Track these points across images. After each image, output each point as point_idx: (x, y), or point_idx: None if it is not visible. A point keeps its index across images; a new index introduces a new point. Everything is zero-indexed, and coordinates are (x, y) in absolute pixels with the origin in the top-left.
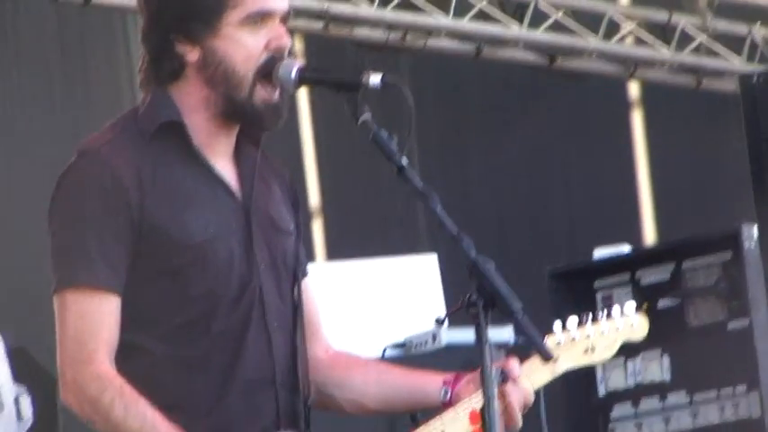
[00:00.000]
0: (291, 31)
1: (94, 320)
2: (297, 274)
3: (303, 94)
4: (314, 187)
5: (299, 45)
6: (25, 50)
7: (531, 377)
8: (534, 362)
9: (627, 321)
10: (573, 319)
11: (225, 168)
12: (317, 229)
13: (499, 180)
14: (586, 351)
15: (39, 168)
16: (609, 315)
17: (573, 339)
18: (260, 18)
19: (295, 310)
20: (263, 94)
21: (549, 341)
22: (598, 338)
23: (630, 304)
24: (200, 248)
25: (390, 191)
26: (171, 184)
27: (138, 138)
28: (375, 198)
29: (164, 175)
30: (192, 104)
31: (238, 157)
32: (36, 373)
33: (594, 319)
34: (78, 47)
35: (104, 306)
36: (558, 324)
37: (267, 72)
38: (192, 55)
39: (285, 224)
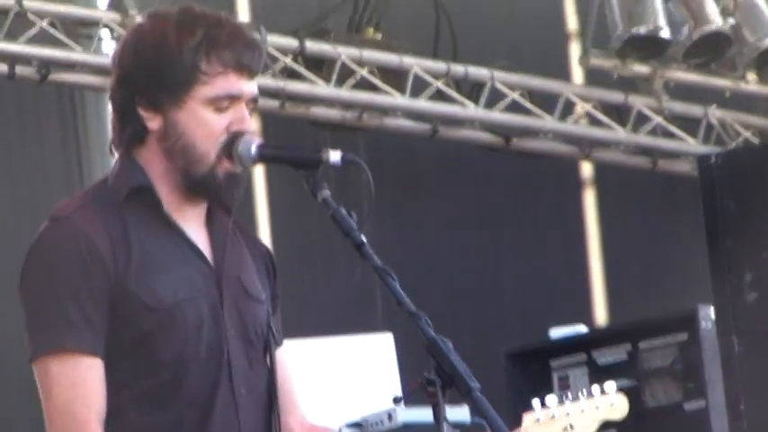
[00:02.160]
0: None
1: (83, 390)
2: (269, 343)
3: (259, 175)
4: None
5: (256, 123)
6: None
7: None
8: None
9: (607, 400)
10: (552, 397)
11: (196, 233)
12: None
13: (453, 259)
14: (565, 429)
15: None
16: (589, 393)
17: (552, 417)
18: (227, 101)
19: (267, 378)
20: (226, 166)
21: (528, 418)
22: (578, 417)
23: (611, 384)
24: (170, 312)
25: (347, 269)
26: (142, 248)
27: (109, 204)
28: (331, 276)
29: (135, 240)
30: (157, 174)
31: (210, 223)
32: None
33: (575, 398)
34: (34, 119)
35: (91, 373)
36: (537, 401)
37: (229, 149)
38: (153, 123)
39: (256, 291)
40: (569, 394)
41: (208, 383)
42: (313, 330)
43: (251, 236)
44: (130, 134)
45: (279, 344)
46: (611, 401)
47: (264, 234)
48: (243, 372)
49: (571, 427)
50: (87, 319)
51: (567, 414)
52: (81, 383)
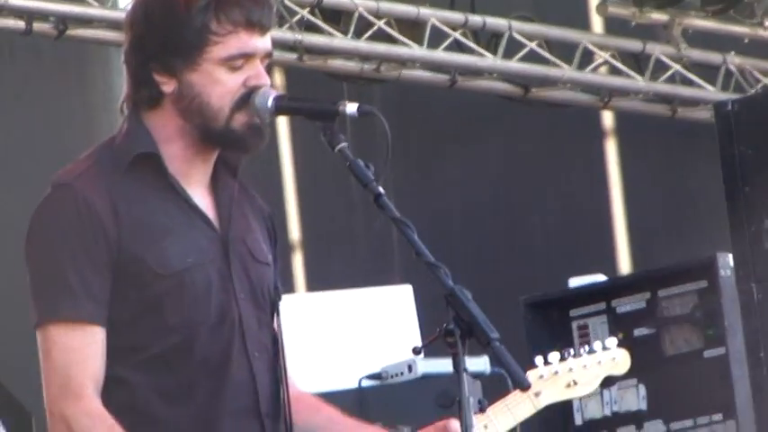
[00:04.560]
0: (270, 65)
1: (81, 355)
2: (276, 305)
3: (284, 130)
4: (294, 221)
5: (279, 78)
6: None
7: (513, 410)
8: (516, 395)
9: (609, 355)
10: (555, 354)
11: (202, 197)
12: (298, 261)
13: (473, 210)
14: (569, 385)
15: (17, 199)
16: (591, 349)
17: (555, 373)
18: (241, 60)
19: (274, 340)
20: (241, 118)
21: (531, 374)
22: (580, 372)
23: (612, 340)
24: (178, 277)
25: (365, 221)
26: (147, 214)
27: (113, 169)
28: (357, 229)
29: (140, 205)
30: (168, 134)
31: (216, 186)
32: (11, 407)
33: (577, 354)
34: (57, 73)
35: (89, 339)
36: (540, 358)
37: (244, 103)
38: (168, 86)
39: (263, 255)
40: (571, 351)
41: (220, 347)
42: (338, 284)
43: (254, 197)
44: (146, 97)
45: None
46: (613, 356)
47: (289, 191)
48: (255, 335)
49: (574, 382)
50: (87, 288)
51: (570, 370)
52: (78, 349)
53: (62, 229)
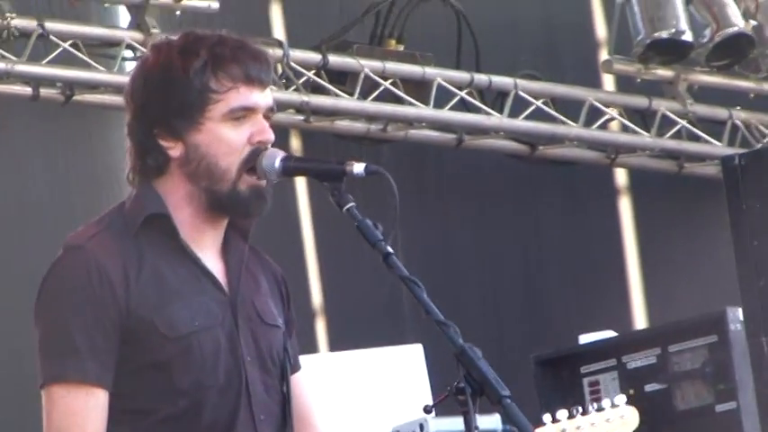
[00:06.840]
0: (285, 128)
1: (81, 417)
2: (285, 369)
3: (303, 196)
4: (316, 286)
5: (295, 141)
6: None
7: None
8: None
9: (618, 413)
10: (563, 412)
11: (212, 261)
12: (321, 326)
13: (486, 266)
14: None
15: (27, 265)
16: (600, 407)
17: (563, 431)
18: (242, 113)
19: (282, 404)
20: (248, 180)
21: None
22: (589, 431)
23: (621, 397)
24: (187, 340)
25: (375, 281)
26: (157, 277)
27: (124, 232)
28: (377, 290)
29: (150, 268)
30: (177, 200)
31: (226, 250)
32: None
33: (585, 411)
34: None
35: (91, 403)
36: (548, 416)
37: (251, 164)
38: (175, 150)
39: (271, 317)
40: (580, 408)
41: (227, 410)
42: (354, 344)
43: (266, 260)
44: (153, 166)
45: (296, 368)
46: (622, 414)
47: (311, 256)
48: (261, 398)
49: None
50: (93, 350)
51: (578, 428)
52: (79, 412)
53: (73, 291)
